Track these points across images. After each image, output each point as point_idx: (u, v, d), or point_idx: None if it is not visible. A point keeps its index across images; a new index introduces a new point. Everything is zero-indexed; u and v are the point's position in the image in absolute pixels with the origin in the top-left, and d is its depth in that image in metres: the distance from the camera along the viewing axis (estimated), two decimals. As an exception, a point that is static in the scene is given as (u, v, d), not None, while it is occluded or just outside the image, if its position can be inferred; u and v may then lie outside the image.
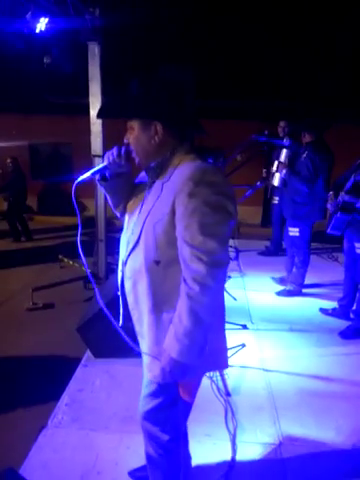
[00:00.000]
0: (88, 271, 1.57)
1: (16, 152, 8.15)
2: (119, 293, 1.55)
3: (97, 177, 1.49)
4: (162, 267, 1.32)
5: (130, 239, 1.42)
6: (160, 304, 1.35)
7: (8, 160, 6.80)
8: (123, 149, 1.40)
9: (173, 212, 1.26)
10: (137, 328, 1.48)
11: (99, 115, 1.61)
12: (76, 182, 1.40)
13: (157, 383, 1.42)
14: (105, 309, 1.41)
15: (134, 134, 1.36)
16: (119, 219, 1.61)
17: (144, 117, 1.33)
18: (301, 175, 3.64)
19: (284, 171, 3.70)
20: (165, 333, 1.33)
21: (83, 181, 1.42)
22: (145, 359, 1.45)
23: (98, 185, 1.54)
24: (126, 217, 1.52)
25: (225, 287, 1.61)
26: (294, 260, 4.04)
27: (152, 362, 1.40)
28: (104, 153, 1.47)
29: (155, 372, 1.38)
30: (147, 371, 1.44)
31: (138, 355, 1.65)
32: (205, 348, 1.32)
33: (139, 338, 1.49)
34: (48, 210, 8.37)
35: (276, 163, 3.80)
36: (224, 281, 1.30)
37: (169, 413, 1.50)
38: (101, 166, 1.45)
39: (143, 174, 1.50)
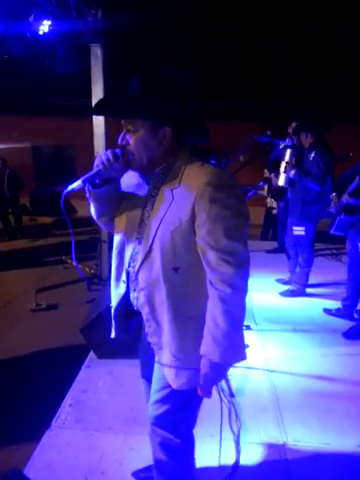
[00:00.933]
0: (82, 274, 1.51)
1: (19, 154, 8.19)
2: (111, 305, 1.50)
3: (87, 186, 1.36)
4: (181, 274, 1.30)
5: (137, 250, 1.37)
6: (181, 311, 1.33)
7: None
8: (119, 151, 1.30)
9: (192, 218, 1.25)
10: (153, 340, 1.42)
11: (98, 111, 1.57)
12: (65, 192, 1.31)
13: (171, 388, 1.40)
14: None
15: (139, 137, 1.30)
16: (104, 229, 1.56)
17: (156, 120, 1.28)
18: (312, 174, 3.63)
19: (293, 172, 3.68)
20: (190, 340, 1.33)
21: (73, 191, 1.32)
22: (167, 370, 1.40)
23: (88, 194, 1.40)
24: (121, 228, 1.43)
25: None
26: (297, 260, 4.03)
27: (179, 372, 1.36)
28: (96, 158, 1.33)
29: (183, 380, 1.36)
30: (172, 382, 1.38)
31: (142, 357, 1.65)
32: (244, 346, 1.34)
33: (155, 349, 1.44)
34: (38, 210, 8.34)
35: (283, 164, 3.77)
36: (248, 278, 1.33)
37: (178, 418, 1.50)
38: (94, 172, 1.32)
39: (130, 182, 1.42)
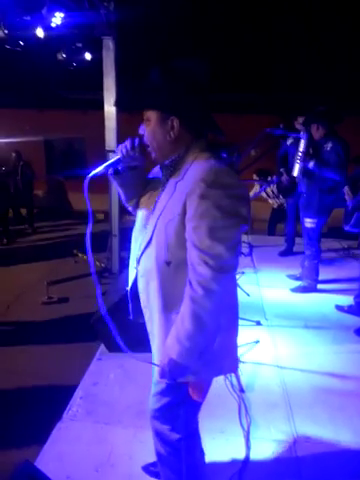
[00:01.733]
0: (94, 269, 1.51)
1: (32, 147, 8.23)
2: (128, 288, 1.54)
3: (110, 171, 1.44)
4: (172, 268, 1.31)
5: (143, 237, 1.41)
6: (170, 305, 1.33)
7: (13, 154, 7.03)
8: (136, 141, 1.36)
9: (184, 213, 1.24)
10: (148, 327, 1.48)
11: (118, 104, 1.59)
12: (89, 177, 1.37)
13: (168, 383, 1.41)
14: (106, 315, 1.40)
15: (150, 128, 1.33)
16: (131, 214, 1.59)
17: (162, 110, 1.30)
18: (332, 164, 3.60)
19: (312, 163, 3.64)
20: None
21: (96, 176, 1.38)
22: (154, 358, 1.45)
23: (111, 179, 1.50)
24: (139, 213, 1.49)
25: (238, 284, 1.59)
26: (305, 253, 4.02)
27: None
28: (117, 146, 1.42)
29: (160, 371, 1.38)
30: (156, 372, 1.41)
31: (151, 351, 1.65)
32: (206, 351, 1.31)
33: (150, 336, 1.48)
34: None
35: (298, 154, 3.73)
36: (229, 286, 1.27)
37: (178, 412, 1.49)
38: (114, 159, 1.40)
39: (158, 169, 1.47)
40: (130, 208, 1.59)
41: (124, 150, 1.37)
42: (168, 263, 1.31)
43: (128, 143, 1.37)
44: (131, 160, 1.39)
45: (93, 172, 1.38)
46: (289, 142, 4.21)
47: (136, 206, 1.53)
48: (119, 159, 1.39)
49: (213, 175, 1.22)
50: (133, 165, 1.43)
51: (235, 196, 1.21)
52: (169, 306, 1.34)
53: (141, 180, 1.50)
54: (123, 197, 1.57)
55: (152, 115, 1.31)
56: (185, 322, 1.23)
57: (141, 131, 1.36)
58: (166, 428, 1.53)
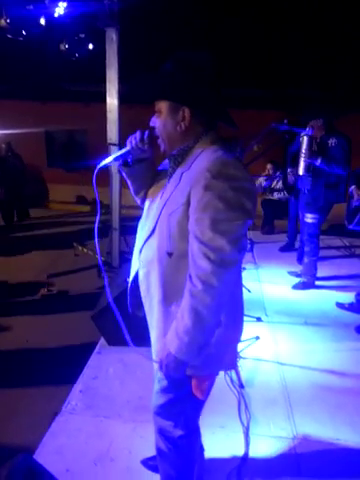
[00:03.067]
0: (100, 259, 1.52)
1: (33, 139, 8.18)
2: (129, 280, 1.52)
3: (119, 162, 1.44)
4: (174, 259, 1.29)
5: (147, 228, 1.39)
6: (170, 296, 1.32)
7: (3, 145, 6.97)
8: (146, 133, 1.35)
9: (188, 203, 1.22)
10: (148, 318, 1.47)
11: (128, 96, 1.56)
12: (98, 167, 1.37)
13: (170, 379, 1.40)
14: (113, 305, 1.40)
15: (162, 119, 1.31)
16: (140, 206, 1.58)
17: (173, 100, 1.28)
18: (338, 159, 3.61)
19: (319, 160, 3.64)
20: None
21: (105, 166, 1.39)
22: (153, 349, 1.44)
23: (119, 170, 1.50)
24: (146, 204, 1.48)
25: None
26: (304, 249, 4.02)
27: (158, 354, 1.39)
28: (127, 138, 1.41)
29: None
30: (155, 362, 1.42)
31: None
32: (207, 346, 1.29)
33: (150, 328, 1.47)
34: None
35: (303, 152, 3.72)
36: (231, 282, 1.24)
37: (181, 409, 1.48)
38: (124, 151, 1.40)
39: (167, 161, 1.45)
40: (138, 200, 1.58)
41: (134, 142, 1.37)
42: (170, 254, 1.29)
43: (138, 135, 1.36)
44: (140, 152, 1.39)
45: (102, 163, 1.38)
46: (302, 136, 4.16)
47: (144, 198, 1.52)
48: (128, 151, 1.39)
49: (219, 166, 1.20)
50: (142, 157, 1.42)
51: (240, 189, 1.19)
52: (169, 298, 1.32)
53: (150, 172, 1.49)
54: (131, 189, 1.56)
55: (163, 106, 1.30)
56: (184, 317, 1.21)
57: (152, 123, 1.35)
58: (169, 424, 1.52)
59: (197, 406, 1.51)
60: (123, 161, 1.43)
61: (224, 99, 1.31)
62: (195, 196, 1.20)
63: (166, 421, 1.52)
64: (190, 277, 1.21)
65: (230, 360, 1.46)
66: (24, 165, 7.24)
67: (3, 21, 3.27)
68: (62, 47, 4.42)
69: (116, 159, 1.40)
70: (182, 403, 1.46)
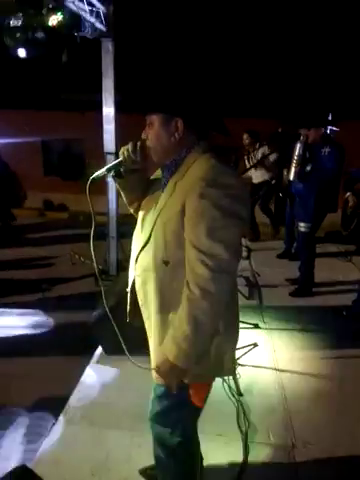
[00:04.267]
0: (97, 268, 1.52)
1: (29, 149, 8.21)
2: (128, 290, 1.53)
3: (112, 173, 1.45)
4: (170, 268, 1.30)
5: (142, 237, 1.40)
6: (167, 305, 1.32)
7: None
8: (138, 145, 1.37)
9: (183, 212, 1.24)
10: (146, 326, 1.47)
11: (121, 108, 1.60)
12: (91, 178, 1.38)
13: (165, 386, 1.40)
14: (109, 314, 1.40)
15: (154, 131, 1.33)
16: (136, 216, 1.59)
17: (165, 112, 1.30)
18: (328, 168, 3.63)
19: (309, 167, 3.66)
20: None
21: (98, 178, 1.40)
22: (151, 357, 1.44)
23: (113, 181, 1.53)
24: (140, 214, 1.49)
25: (238, 289, 1.57)
26: (301, 257, 4.05)
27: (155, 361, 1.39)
28: (117, 150, 1.44)
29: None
30: (154, 375, 1.42)
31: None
32: (205, 354, 1.30)
33: (148, 336, 1.47)
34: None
35: (294, 159, 3.75)
36: (228, 288, 1.24)
37: (178, 416, 1.48)
38: (116, 162, 1.42)
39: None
40: (132, 210, 1.60)
41: (126, 153, 1.38)
42: (166, 263, 1.30)
43: (130, 146, 1.38)
44: (132, 163, 1.40)
45: (96, 174, 1.39)
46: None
47: (138, 208, 1.53)
48: (121, 162, 1.41)
49: (213, 174, 1.22)
50: (134, 168, 1.44)
51: (235, 196, 1.20)
52: (166, 306, 1.33)
53: (142, 183, 1.51)
54: (125, 199, 1.58)
55: (155, 118, 1.32)
56: (182, 324, 1.21)
57: (143, 135, 1.37)
58: (166, 432, 1.51)
59: (194, 413, 1.51)
60: (115, 172, 1.45)
61: (218, 107, 1.33)
62: (190, 205, 1.21)
63: (163, 429, 1.52)
64: (187, 284, 1.21)
65: (227, 367, 1.45)
66: (7, 170, 7.13)
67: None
68: (63, 59, 4.46)
69: (108, 170, 1.42)
70: (179, 410, 1.46)
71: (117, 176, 1.46)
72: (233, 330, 1.44)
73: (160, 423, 1.53)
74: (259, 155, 5.26)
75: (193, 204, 1.20)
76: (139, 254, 1.41)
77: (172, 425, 1.50)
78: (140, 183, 1.51)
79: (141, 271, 1.40)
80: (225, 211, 1.18)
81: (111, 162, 1.45)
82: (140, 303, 1.46)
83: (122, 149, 1.41)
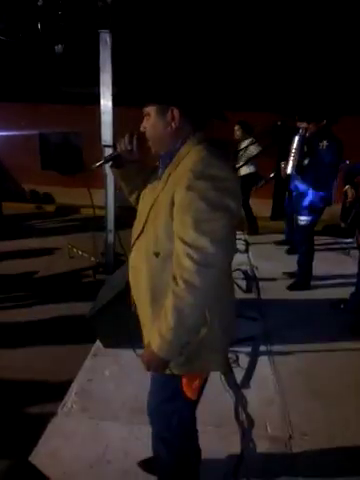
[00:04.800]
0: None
1: (27, 142, 8.15)
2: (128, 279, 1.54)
3: (109, 163, 1.50)
4: (161, 260, 1.30)
5: (137, 228, 1.42)
6: (158, 297, 1.32)
7: None
8: (134, 136, 1.38)
9: (172, 204, 1.24)
10: (139, 316, 1.48)
11: (117, 101, 1.61)
12: (91, 169, 1.45)
13: (159, 378, 1.42)
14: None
15: (151, 122, 1.33)
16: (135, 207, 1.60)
17: (160, 102, 1.29)
18: (326, 163, 3.62)
19: (306, 161, 3.65)
20: None
21: (96, 168, 1.47)
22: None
23: (112, 172, 1.55)
24: (139, 206, 1.50)
25: (234, 281, 1.56)
26: (300, 251, 4.04)
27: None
28: (115, 142, 1.47)
29: None
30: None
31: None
32: (191, 346, 1.30)
33: (142, 325, 1.48)
34: None
35: (292, 152, 3.73)
36: (215, 282, 1.22)
37: (173, 408, 1.49)
38: (113, 153, 1.48)
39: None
40: (132, 201, 1.62)
41: (122, 145, 1.42)
42: (156, 254, 1.30)
43: (126, 138, 1.41)
44: (129, 154, 1.43)
45: (93, 165, 1.44)
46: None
47: (138, 199, 1.54)
48: (118, 153, 1.45)
49: (201, 166, 1.20)
50: (132, 159, 1.47)
51: (223, 189, 1.19)
52: (156, 298, 1.33)
53: (141, 174, 1.52)
54: (125, 190, 1.61)
55: (151, 109, 1.32)
56: (167, 316, 1.21)
57: (142, 127, 1.37)
58: (163, 425, 1.53)
59: (190, 406, 1.51)
60: (114, 163, 1.49)
61: (215, 94, 1.32)
62: (178, 197, 1.21)
63: (160, 421, 1.53)
64: (173, 276, 1.21)
65: (220, 361, 1.45)
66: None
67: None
68: (57, 50, 4.42)
69: (106, 160, 1.48)
70: (174, 402, 1.47)
71: (115, 166, 1.51)
72: (225, 324, 1.41)
73: (157, 415, 1.54)
74: (243, 147, 5.13)
75: (180, 196, 1.20)
76: (133, 245, 1.42)
77: (168, 417, 1.50)
78: (138, 173, 1.53)
79: (134, 262, 1.42)
80: (212, 203, 1.17)
81: (108, 153, 1.50)
82: (134, 295, 1.47)
83: (120, 141, 1.43)
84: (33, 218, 7.11)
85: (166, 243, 1.27)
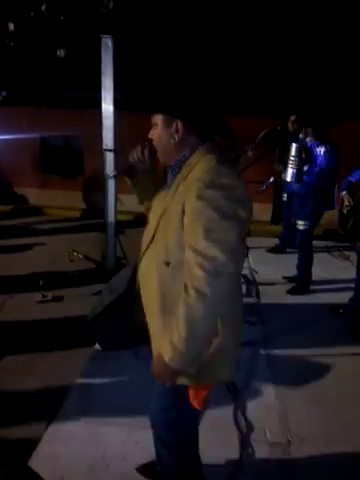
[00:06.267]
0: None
1: (28, 146, 8.16)
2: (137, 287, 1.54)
3: (125, 173, 1.55)
4: (171, 269, 1.30)
5: (147, 237, 1.42)
6: (168, 307, 1.32)
7: None
8: (146, 146, 1.41)
9: (183, 213, 1.24)
10: (149, 327, 1.47)
11: (126, 107, 1.63)
12: (109, 177, 1.44)
13: (165, 385, 1.40)
14: None
15: (157, 132, 1.35)
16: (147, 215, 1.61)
17: (165, 113, 1.31)
18: (325, 168, 3.64)
19: (306, 167, 3.67)
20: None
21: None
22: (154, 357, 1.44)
23: (127, 181, 1.58)
24: (149, 215, 1.51)
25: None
26: (299, 255, 4.06)
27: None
28: (123, 146, 1.49)
29: None
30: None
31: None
32: (203, 357, 1.29)
33: (151, 334, 1.47)
34: None
35: (291, 159, 3.75)
36: (226, 291, 1.22)
37: (174, 414, 1.48)
38: (127, 164, 1.52)
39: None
40: (144, 209, 1.63)
41: (135, 155, 1.44)
42: (167, 263, 1.30)
43: (139, 148, 1.42)
44: (142, 164, 1.46)
45: (112, 173, 1.45)
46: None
47: (149, 207, 1.55)
48: (130, 162, 1.49)
49: (211, 175, 1.22)
50: (145, 169, 1.50)
51: (233, 198, 1.20)
52: (167, 308, 1.32)
53: (152, 183, 1.54)
54: (137, 198, 1.64)
55: (158, 119, 1.33)
56: (179, 326, 1.21)
57: (150, 135, 1.39)
58: (163, 430, 1.53)
59: (194, 413, 1.51)
60: (127, 172, 1.54)
61: (219, 109, 1.33)
62: (189, 206, 1.22)
63: (161, 426, 1.53)
64: (185, 286, 1.21)
65: (228, 371, 1.44)
66: None
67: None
68: (58, 54, 4.46)
69: (120, 171, 1.57)
70: (178, 409, 1.46)
71: (128, 176, 1.55)
72: (236, 335, 1.42)
73: (159, 421, 1.53)
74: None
75: (191, 205, 1.21)
76: (143, 254, 1.42)
77: (170, 424, 1.50)
78: (150, 182, 1.54)
79: (145, 271, 1.41)
80: (223, 212, 1.17)
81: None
82: (144, 304, 1.46)
83: (133, 151, 1.45)
84: (31, 219, 7.12)
85: (176, 252, 1.28)
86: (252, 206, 1.29)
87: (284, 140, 4.35)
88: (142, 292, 1.44)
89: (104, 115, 4.16)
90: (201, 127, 1.33)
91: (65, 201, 8.13)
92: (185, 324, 1.20)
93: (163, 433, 1.55)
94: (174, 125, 1.30)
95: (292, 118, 4.51)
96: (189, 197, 1.22)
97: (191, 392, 1.40)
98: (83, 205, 7.98)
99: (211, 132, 1.37)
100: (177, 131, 1.31)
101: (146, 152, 1.40)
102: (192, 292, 1.18)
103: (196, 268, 1.17)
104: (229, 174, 1.24)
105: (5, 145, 7.48)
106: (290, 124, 4.54)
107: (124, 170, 1.54)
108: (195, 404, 1.42)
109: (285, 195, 4.96)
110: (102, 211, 4.51)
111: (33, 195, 8.30)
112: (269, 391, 2.59)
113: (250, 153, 4.59)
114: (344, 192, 3.38)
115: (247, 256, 4.92)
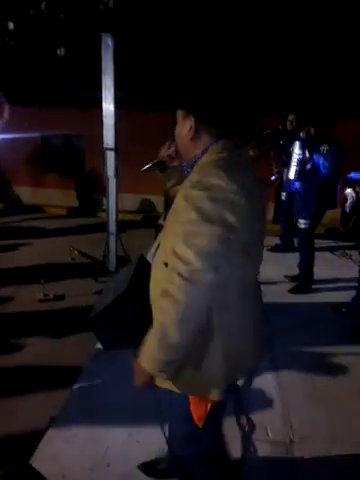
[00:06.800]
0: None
1: (29, 145, 8.17)
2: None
3: (156, 168, 1.66)
4: (168, 270, 1.26)
5: (159, 239, 1.42)
6: None
7: None
8: (173, 143, 1.49)
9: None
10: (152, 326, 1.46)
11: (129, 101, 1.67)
12: (142, 170, 1.64)
13: (170, 396, 1.38)
14: None
15: (177, 127, 1.34)
16: None
17: (181, 108, 1.30)
18: (328, 166, 3.63)
19: (309, 166, 3.66)
20: None
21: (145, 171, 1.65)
22: None
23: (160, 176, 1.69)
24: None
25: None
26: (301, 254, 4.05)
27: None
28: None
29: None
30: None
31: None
32: (174, 364, 1.20)
33: None
34: None
35: (294, 157, 3.74)
36: (203, 299, 1.12)
37: (184, 431, 1.44)
38: (156, 159, 1.64)
39: None
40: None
41: (163, 151, 1.56)
42: (165, 264, 1.27)
43: (166, 145, 1.55)
44: (170, 160, 1.59)
45: (144, 168, 1.63)
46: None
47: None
48: (160, 159, 1.62)
49: (201, 175, 1.15)
50: (172, 164, 1.62)
51: (221, 200, 1.10)
52: None
53: (179, 178, 1.57)
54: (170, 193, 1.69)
55: (178, 115, 1.32)
56: (154, 329, 1.19)
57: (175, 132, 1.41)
58: (177, 442, 1.53)
59: (204, 426, 1.37)
60: (159, 167, 1.66)
61: (235, 106, 1.31)
62: (176, 206, 1.21)
63: (174, 439, 1.54)
64: (162, 288, 1.17)
65: (218, 390, 1.29)
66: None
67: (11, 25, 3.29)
68: (58, 52, 4.45)
69: (153, 165, 1.65)
70: (185, 426, 1.41)
71: (159, 170, 1.68)
72: (232, 353, 1.29)
73: (174, 436, 1.54)
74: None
75: (177, 207, 1.19)
76: (154, 256, 1.40)
77: (184, 437, 1.46)
78: (179, 177, 1.57)
79: (153, 273, 1.39)
80: (205, 215, 1.08)
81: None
82: (151, 302, 1.42)
83: (161, 147, 1.57)
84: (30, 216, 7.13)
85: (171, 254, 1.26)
86: (262, 216, 1.27)
87: (283, 139, 4.35)
88: (150, 291, 1.41)
89: (105, 114, 4.16)
90: (217, 125, 1.27)
91: (66, 200, 8.14)
92: (156, 328, 1.17)
93: (179, 448, 1.52)
94: (188, 122, 1.28)
95: (290, 117, 4.48)
96: (178, 198, 1.20)
97: (191, 404, 1.35)
98: (83, 203, 7.99)
99: (229, 131, 1.30)
100: (190, 128, 1.28)
101: (173, 148, 1.49)
102: (167, 296, 1.13)
103: (173, 272, 1.12)
104: (223, 175, 1.12)
105: (5, 145, 7.49)
106: (289, 123, 4.52)
107: (156, 165, 1.63)
108: (194, 417, 1.36)
109: (284, 194, 4.94)
110: (98, 209, 4.51)
111: (35, 194, 8.33)
112: (271, 390, 2.59)
113: (251, 152, 4.58)
114: (349, 189, 3.36)
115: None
